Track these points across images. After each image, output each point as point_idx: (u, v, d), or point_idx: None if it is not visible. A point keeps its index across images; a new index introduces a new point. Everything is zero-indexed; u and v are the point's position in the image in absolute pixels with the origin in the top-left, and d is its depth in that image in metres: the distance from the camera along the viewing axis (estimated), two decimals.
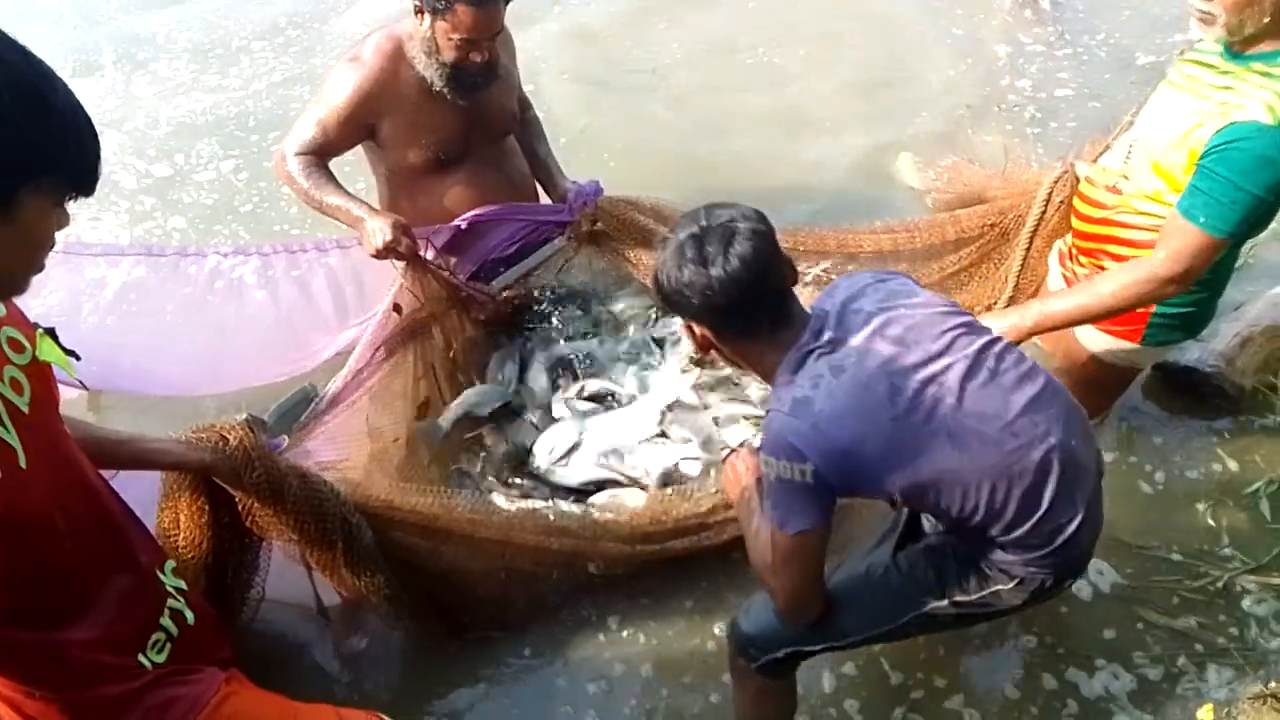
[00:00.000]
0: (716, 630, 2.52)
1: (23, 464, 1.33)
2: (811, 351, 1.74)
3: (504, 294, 3.00)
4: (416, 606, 2.34)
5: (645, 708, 2.40)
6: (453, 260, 2.88)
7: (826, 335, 1.75)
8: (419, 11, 2.59)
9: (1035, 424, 1.74)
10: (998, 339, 1.82)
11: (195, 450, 1.88)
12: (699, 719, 2.38)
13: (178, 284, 2.72)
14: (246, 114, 4.74)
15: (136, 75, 5.17)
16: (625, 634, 2.54)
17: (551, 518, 2.43)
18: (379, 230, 2.54)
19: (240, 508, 2.02)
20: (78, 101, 1.16)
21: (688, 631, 2.54)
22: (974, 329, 1.81)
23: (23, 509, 1.33)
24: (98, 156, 1.19)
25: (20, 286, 1.25)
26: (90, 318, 2.44)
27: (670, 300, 1.79)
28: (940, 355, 1.73)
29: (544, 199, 3.17)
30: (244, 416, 1.99)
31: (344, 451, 2.37)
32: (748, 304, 1.74)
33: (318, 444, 2.26)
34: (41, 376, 1.42)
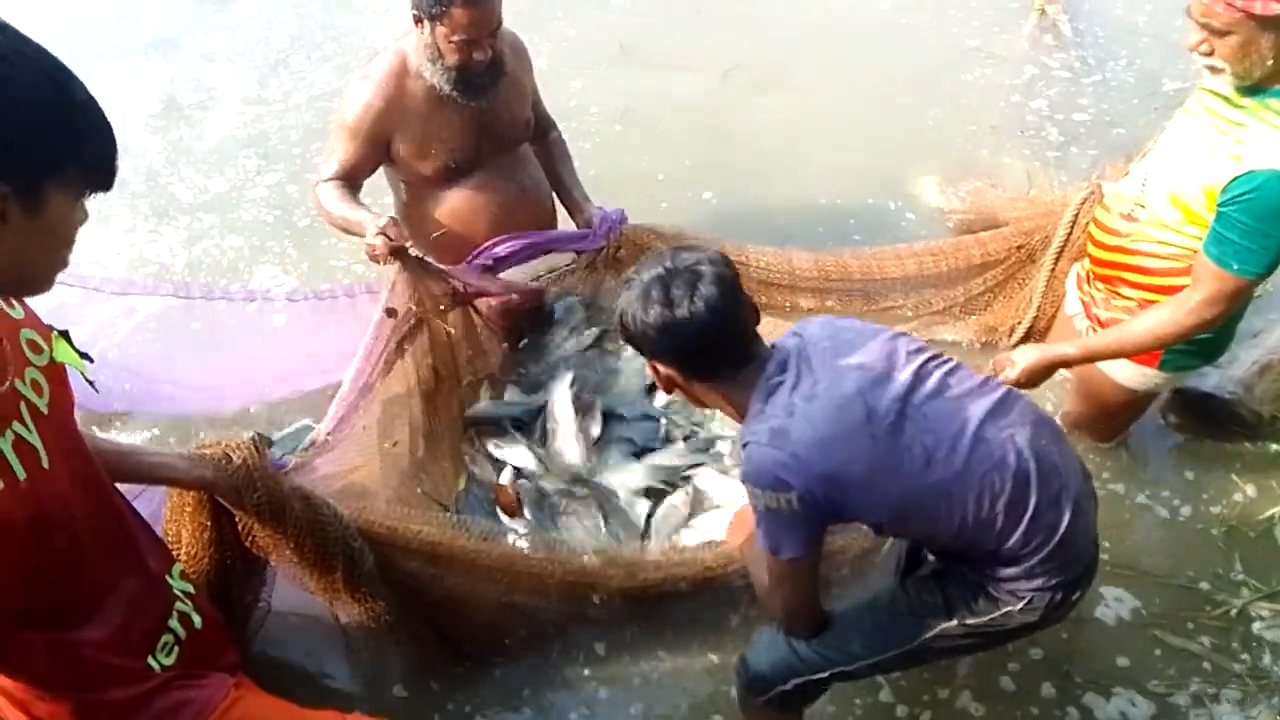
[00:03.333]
0: (720, 660, 2.46)
1: (45, 464, 1.34)
2: (779, 384, 1.75)
3: (512, 293, 2.93)
4: (417, 632, 2.30)
5: None
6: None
7: (791, 370, 1.76)
8: (418, 21, 2.62)
9: (1002, 430, 1.75)
10: (947, 359, 1.85)
11: (198, 466, 1.82)
12: None
13: (201, 315, 2.72)
14: (288, 127, 4.73)
15: (180, 81, 5.19)
16: (629, 666, 2.48)
17: (552, 556, 2.34)
18: (369, 234, 2.53)
19: (240, 527, 1.97)
20: (94, 99, 1.15)
21: (693, 663, 2.48)
22: (922, 350, 1.83)
23: (45, 509, 1.33)
24: (116, 152, 1.18)
25: (46, 284, 1.24)
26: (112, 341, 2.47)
27: (634, 340, 1.81)
28: (901, 372, 1.75)
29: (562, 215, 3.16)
30: (251, 435, 1.95)
31: (353, 461, 2.33)
32: (712, 346, 1.75)
33: (325, 459, 2.21)
34: (58, 378, 1.42)
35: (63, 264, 1.23)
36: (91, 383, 1.51)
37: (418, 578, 2.18)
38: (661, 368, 1.82)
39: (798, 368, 1.76)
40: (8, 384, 1.31)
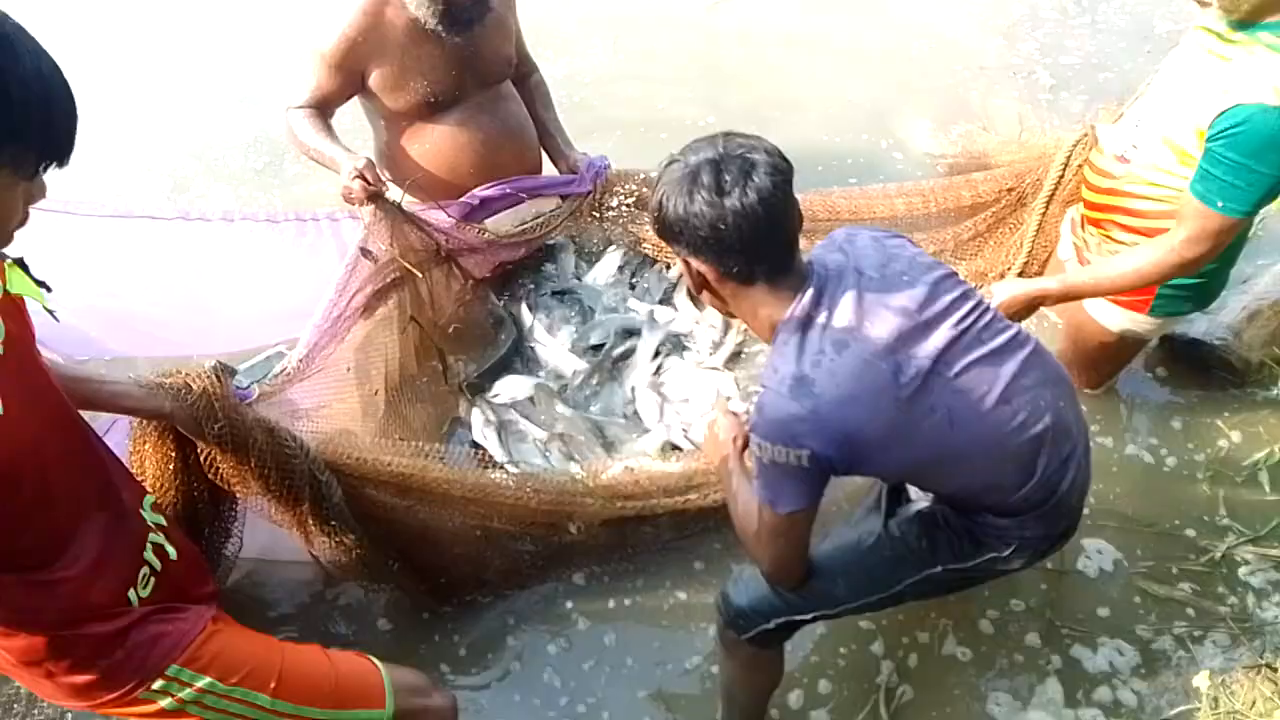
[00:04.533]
0: (704, 599, 2.45)
1: (0, 406, 1.27)
2: (812, 319, 1.62)
3: (494, 239, 2.84)
4: (392, 567, 2.26)
5: (631, 675, 2.36)
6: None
7: (826, 301, 1.63)
8: None
9: (1026, 391, 1.67)
10: (987, 306, 1.73)
11: (156, 395, 1.73)
12: (686, 687, 2.34)
13: (179, 247, 2.61)
14: (274, 69, 4.57)
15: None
16: (607, 598, 2.48)
17: (527, 480, 2.29)
18: (344, 174, 2.45)
19: (203, 458, 1.89)
20: (46, 69, 1.08)
21: (675, 600, 2.48)
22: (967, 296, 1.71)
23: (7, 450, 1.27)
24: (70, 127, 1.12)
25: None
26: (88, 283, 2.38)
27: (670, 230, 1.64)
28: (939, 325, 1.64)
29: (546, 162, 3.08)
30: (212, 363, 1.82)
31: (323, 399, 2.25)
32: (756, 245, 1.59)
33: (295, 392, 2.13)
34: (15, 312, 1.35)
35: (5, 239, 1.19)
36: (51, 312, 1.43)
37: (390, 510, 2.12)
38: (695, 263, 1.66)
39: (835, 299, 1.62)
40: None
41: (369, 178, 2.43)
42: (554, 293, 3.03)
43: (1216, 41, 2.12)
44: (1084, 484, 1.83)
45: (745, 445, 1.89)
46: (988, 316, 1.71)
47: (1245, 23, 2.04)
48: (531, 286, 3.06)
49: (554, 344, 2.87)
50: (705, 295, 1.75)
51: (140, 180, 3.88)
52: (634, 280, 3.10)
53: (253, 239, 2.65)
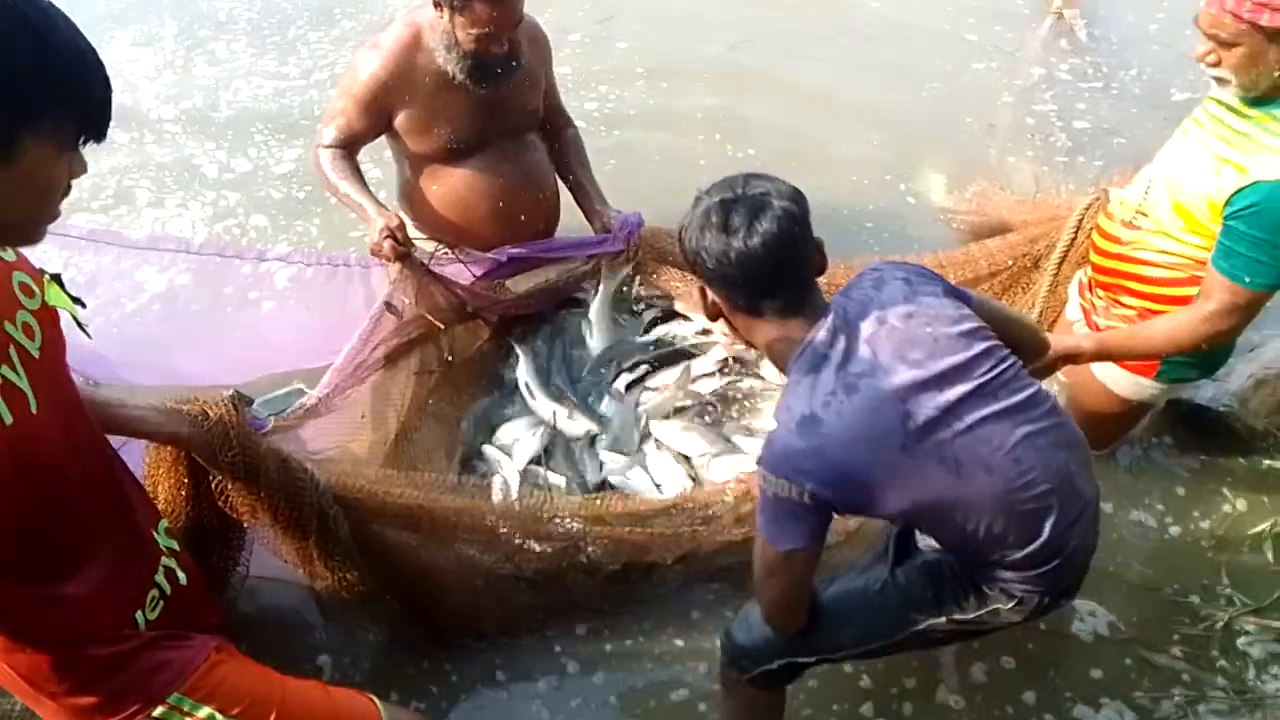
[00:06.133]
0: (705, 646, 2.41)
1: (34, 409, 1.29)
2: (826, 359, 1.63)
3: (515, 301, 2.86)
4: (392, 608, 2.25)
5: (624, 715, 2.33)
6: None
7: (842, 340, 1.63)
8: (437, 5, 2.53)
9: (1039, 451, 1.66)
10: (1011, 364, 1.71)
11: (173, 421, 1.74)
12: None
13: (213, 283, 2.66)
14: (310, 103, 4.64)
15: (196, 53, 5.12)
16: (609, 647, 2.44)
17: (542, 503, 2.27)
18: (372, 231, 2.48)
19: (214, 486, 1.90)
20: (83, 43, 1.10)
21: (677, 644, 2.45)
22: (990, 353, 1.69)
23: (34, 456, 1.28)
24: (106, 99, 1.13)
25: (32, 235, 1.20)
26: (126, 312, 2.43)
27: (688, 259, 1.72)
28: (956, 379, 1.63)
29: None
30: (230, 392, 1.85)
31: (336, 440, 2.27)
32: (761, 283, 1.65)
33: (309, 430, 2.15)
34: (51, 322, 1.37)
35: (51, 215, 1.19)
36: (83, 326, 1.45)
37: (395, 549, 2.12)
38: (709, 293, 1.73)
39: (852, 342, 1.63)
40: None
41: (399, 238, 2.46)
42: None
43: (1231, 116, 2.14)
44: (1091, 546, 1.81)
45: None
46: (1010, 374, 1.69)
47: (1262, 100, 2.07)
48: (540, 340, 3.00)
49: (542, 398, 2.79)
50: (720, 322, 1.79)
51: (181, 209, 3.88)
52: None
53: (283, 277, 2.68)
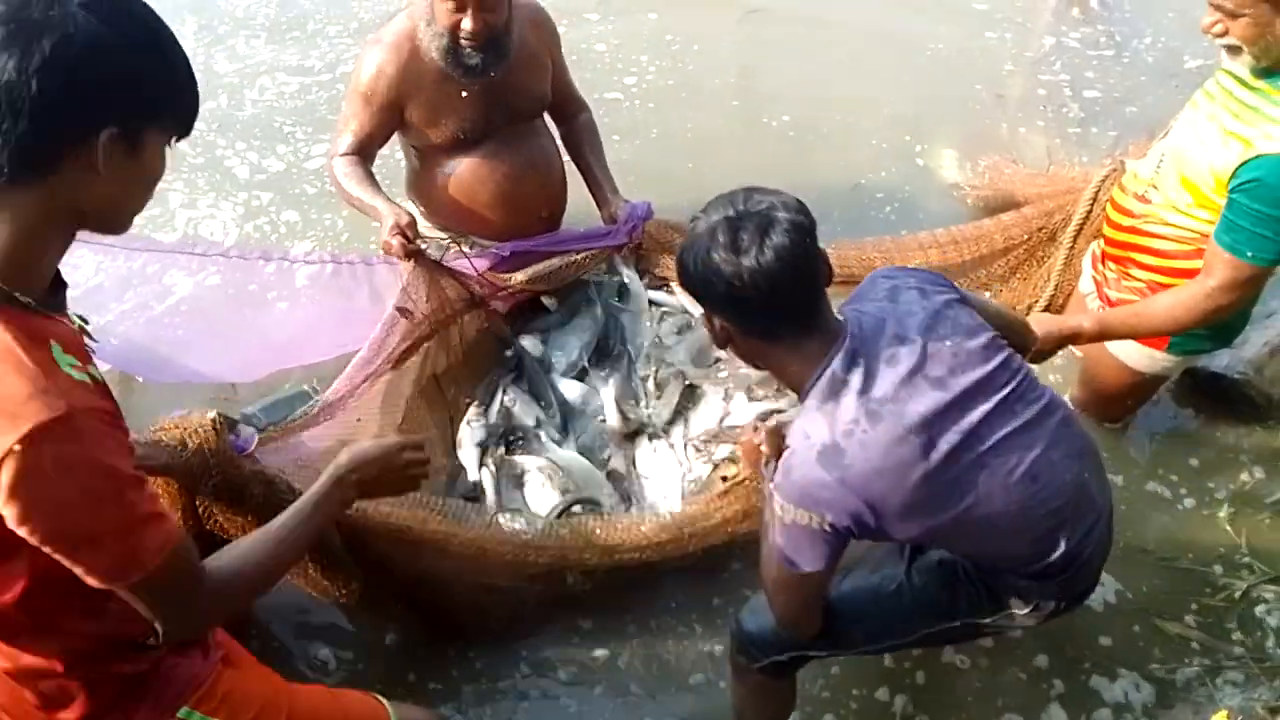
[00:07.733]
0: (709, 644, 2.39)
1: None
2: (846, 384, 1.56)
3: (523, 287, 2.80)
4: (395, 608, 2.24)
5: (641, 702, 2.31)
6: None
7: (861, 365, 1.56)
8: None
9: (1054, 465, 1.63)
10: (1024, 374, 1.67)
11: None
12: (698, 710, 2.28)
13: (239, 283, 2.69)
14: (336, 98, 4.50)
15: (216, 50, 5.12)
16: (613, 644, 2.40)
17: (527, 530, 2.23)
18: (384, 229, 2.46)
19: (200, 509, 1.91)
20: (184, 53, 1.20)
21: (681, 638, 2.42)
22: (1005, 365, 1.65)
23: None
24: (198, 101, 1.23)
25: (127, 224, 1.26)
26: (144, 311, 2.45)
27: (693, 285, 1.61)
28: (978, 397, 1.59)
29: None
30: (213, 414, 1.83)
31: (329, 445, 2.19)
32: (776, 302, 1.54)
33: (311, 434, 2.13)
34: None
35: (144, 206, 1.26)
36: (88, 333, 1.45)
37: (391, 558, 2.09)
38: (717, 320, 1.63)
39: (873, 364, 1.56)
40: None
41: (409, 235, 2.45)
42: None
43: (1239, 87, 2.10)
44: (1105, 549, 1.79)
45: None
46: (1025, 385, 1.66)
47: (1271, 71, 2.02)
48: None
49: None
50: (731, 349, 1.71)
51: (213, 210, 3.86)
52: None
53: (289, 275, 2.70)
